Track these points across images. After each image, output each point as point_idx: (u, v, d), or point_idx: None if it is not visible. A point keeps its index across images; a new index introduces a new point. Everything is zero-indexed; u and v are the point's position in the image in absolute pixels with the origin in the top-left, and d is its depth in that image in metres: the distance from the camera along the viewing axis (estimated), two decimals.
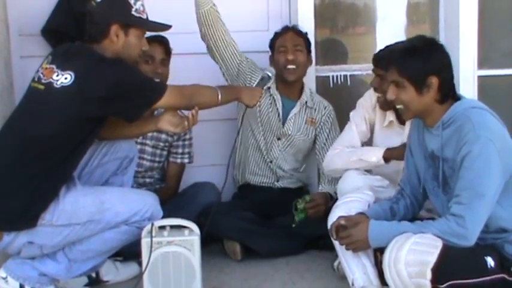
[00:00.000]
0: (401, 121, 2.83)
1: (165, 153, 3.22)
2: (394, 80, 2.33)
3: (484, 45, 3.71)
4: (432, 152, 2.39)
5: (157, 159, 3.19)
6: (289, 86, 3.26)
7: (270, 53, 3.30)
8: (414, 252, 2.19)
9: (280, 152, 3.30)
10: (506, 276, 2.29)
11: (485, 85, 3.76)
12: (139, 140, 3.05)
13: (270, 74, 3.03)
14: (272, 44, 3.28)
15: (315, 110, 3.31)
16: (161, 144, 3.18)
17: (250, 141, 3.33)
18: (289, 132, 3.27)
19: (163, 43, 3.07)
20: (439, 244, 2.21)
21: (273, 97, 3.26)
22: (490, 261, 2.28)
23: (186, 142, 3.24)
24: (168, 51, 3.10)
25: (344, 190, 2.77)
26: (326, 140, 3.30)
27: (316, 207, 3.01)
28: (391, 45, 2.80)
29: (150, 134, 3.05)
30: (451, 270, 2.22)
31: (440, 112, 2.33)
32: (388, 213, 2.52)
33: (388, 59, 2.43)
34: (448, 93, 2.33)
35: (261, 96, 2.92)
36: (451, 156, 2.30)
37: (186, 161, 3.27)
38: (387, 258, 2.24)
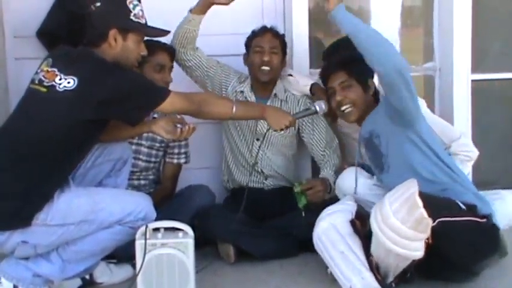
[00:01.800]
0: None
1: (160, 153, 3.22)
2: (343, 82, 2.73)
3: (478, 49, 3.72)
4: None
5: (153, 159, 3.19)
6: (263, 87, 3.22)
7: (245, 51, 3.26)
8: (394, 201, 2.21)
9: (264, 152, 3.28)
10: (478, 219, 2.42)
11: (479, 89, 3.78)
12: (135, 141, 3.05)
13: (317, 108, 2.87)
14: (248, 43, 3.24)
15: (287, 101, 3.26)
16: (157, 144, 3.18)
17: (232, 145, 3.32)
18: (264, 130, 3.15)
19: (171, 52, 3.06)
20: (413, 183, 2.22)
21: (246, 98, 3.23)
22: (461, 205, 2.41)
23: (183, 142, 3.24)
24: (173, 60, 3.11)
25: (342, 187, 2.83)
26: (313, 130, 3.27)
27: (314, 189, 2.96)
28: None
29: (145, 134, 3.04)
30: (434, 205, 2.25)
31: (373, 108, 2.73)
32: None
33: (336, 65, 2.78)
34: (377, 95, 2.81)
35: (289, 126, 2.80)
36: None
37: (182, 161, 3.27)
38: (376, 226, 2.25)
